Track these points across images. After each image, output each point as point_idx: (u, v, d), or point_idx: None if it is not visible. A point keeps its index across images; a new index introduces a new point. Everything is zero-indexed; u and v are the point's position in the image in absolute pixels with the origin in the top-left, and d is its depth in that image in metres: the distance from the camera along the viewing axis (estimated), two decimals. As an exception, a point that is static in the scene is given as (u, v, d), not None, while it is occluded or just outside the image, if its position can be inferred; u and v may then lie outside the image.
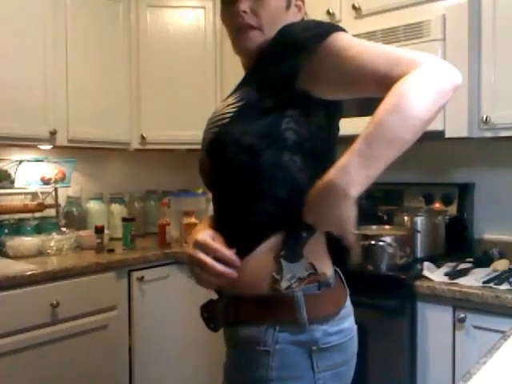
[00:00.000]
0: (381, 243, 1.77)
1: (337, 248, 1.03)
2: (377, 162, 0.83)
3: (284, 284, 0.95)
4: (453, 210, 2.12)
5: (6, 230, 2.31)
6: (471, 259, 1.94)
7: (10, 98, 2.15)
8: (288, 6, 1.07)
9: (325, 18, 2.14)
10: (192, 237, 1.03)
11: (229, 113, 1.00)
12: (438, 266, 1.83)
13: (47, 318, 1.91)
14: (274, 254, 0.96)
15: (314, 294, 0.98)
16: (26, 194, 2.49)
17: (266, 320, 0.96)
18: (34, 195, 2.51)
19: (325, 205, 0.87)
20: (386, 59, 0.89)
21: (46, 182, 2.48)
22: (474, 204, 2.16)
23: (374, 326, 1.68)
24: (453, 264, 1.86)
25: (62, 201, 2.60)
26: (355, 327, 1.06)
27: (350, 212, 0.85)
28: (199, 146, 1.09)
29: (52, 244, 2.27)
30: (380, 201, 2.20)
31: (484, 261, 1.89)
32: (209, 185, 1.11)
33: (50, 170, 2.53)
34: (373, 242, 1.78)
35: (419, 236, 1.97)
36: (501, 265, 1.82)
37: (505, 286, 1.57)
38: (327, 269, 1.03)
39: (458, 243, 2.09)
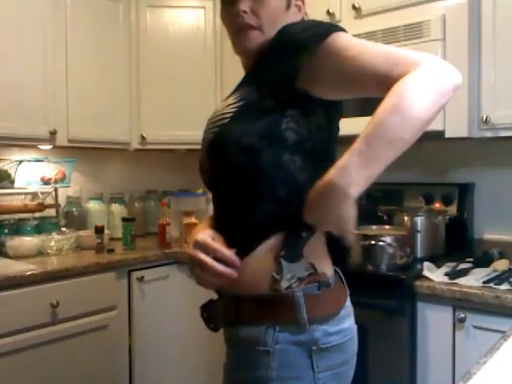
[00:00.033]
0: (381, 243, 1.77)
1: (337, 248, 1.03)
2: (377, 162, 0.83)
3: (284, 284, 0.95)
4: (453, 210, 2.12)
5: (6, 230, 2.31)
6: (471, 259, 1.94)
7: (10, 98, 2.15)
8: (288, 6, 1.07)
9: (325, 18, 2.14)
10: (192, 237, 1.03)
11: (229, 113, 1.00)
12: (438, 266, 1.83)
13: (47, 318, 1.91)
14: (273, 253, 0.96)
15: (314, 294, 0.98)
16: (25, 193, 2.49)
17: (266, 320, 0.96)
18: (34, 195, 2.51)
19: (325, 205, 0.87)
20: (386, 59, 0.89)
21: (45, 182, 2.48)
22: (474, 204, 2.16)
23: (374, 326, 1.68)
24: (453, 264, 1.86)
25: (62, 201, 2.60)
26: (355, 327, 1.06)
27: (350, 212, 0.85)
28: (199, 146, 1.09)
29: (52, 244, 2.27)
30: (380, 201, 2.20)
31: (484, 261, 1.89)
32: (209, 185, 1.11)
33: (50, 170, 2.53)
34: (373, 242, 1.78)
35: (419, 236, 1.97)
36: (501, 265, 1.82)
37: (505, 286, 1.57)
38: (327, 269, 1.03)
39: (458, 243, 2.09)
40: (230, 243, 0.99)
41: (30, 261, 2.09)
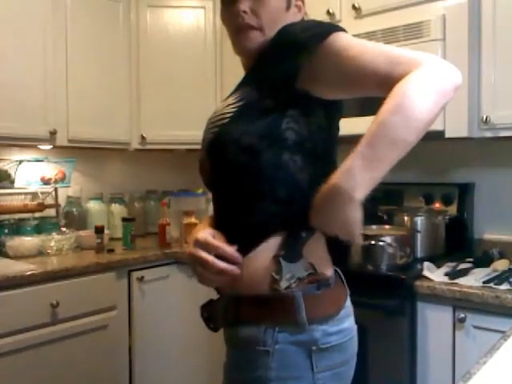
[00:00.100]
0: (381, 243, 1.77)
1: (337, 248, 1.03)
2: (380, 163, 0.84)
3: (283, 284, 0.95)
4: (453, 210, 2.12)
5: (6, 230, 2.31)
6: (471, 259, 1.94)
7: (10, 98, 2.15)
8: (288, 6, 1.07)
9: (325, 18, 2.14)
10: (192, 236, 1.03)
11: (229, 113, 1.00)
12: (438, 266, 1.83)
13: (47, 318, 1.91)
14: (273, 253, 0.96)
15: (314, 294, 0.97)
16: (25, 193, 2.49)
17: (266, 320, 0.96)
18: (34, 195, 2.51)
19: (330, 208, 0.87)
20: (386, 59, 0.89)
21: (45, 182, 2.48)
22: (474, 204, 2.16)
23: (374, 326, 1.68)
24: (453, 264, 1.86)
25: (62, 201, 2.60)
26: (355, 327, 1.06)
27: (356, 215, 0.86)
28: (199, 146, 1.09)
29: (52, 244, 2.27)
30: (380, 201, 2.20)
31: (484, 261, 1.89)
32: (209, 185, 1.11)
33: (50, 170, 2.53)
34: (373, 242, 1.78)
35: (419, 236, 1.97)
36: (501, 265, 1.82)
37: (505, 286, 1.57)
38: (327, 269, 1.03)
39: (458, 243, 2.08)
40: (229, 243, 0.98)
41: (30, 261, 2.09)
